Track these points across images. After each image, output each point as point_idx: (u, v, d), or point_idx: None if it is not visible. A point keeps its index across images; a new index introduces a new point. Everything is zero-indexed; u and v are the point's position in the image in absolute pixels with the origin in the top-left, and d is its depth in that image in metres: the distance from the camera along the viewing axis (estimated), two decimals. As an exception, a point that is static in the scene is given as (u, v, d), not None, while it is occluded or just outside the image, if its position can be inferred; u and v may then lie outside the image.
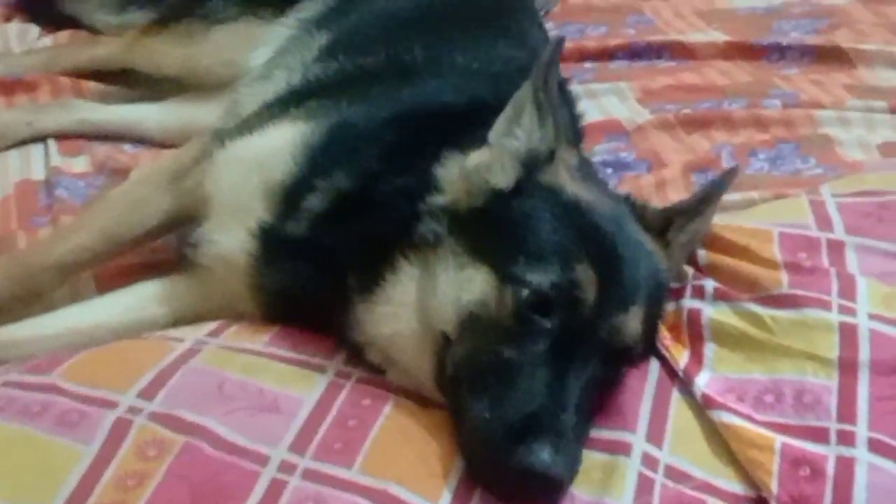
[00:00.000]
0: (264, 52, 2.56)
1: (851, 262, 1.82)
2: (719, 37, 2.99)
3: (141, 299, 2.05)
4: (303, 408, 1.66)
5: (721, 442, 1.63)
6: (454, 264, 1.67)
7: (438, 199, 1.73)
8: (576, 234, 1.65)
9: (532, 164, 1.70)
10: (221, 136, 2.11)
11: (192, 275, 2.04)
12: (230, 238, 1.95)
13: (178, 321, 2.02)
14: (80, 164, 2.57)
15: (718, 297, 1.79)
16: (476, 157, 1.75)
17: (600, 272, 1.61)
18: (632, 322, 1.63)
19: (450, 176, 1.75)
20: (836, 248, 1.84)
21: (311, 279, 1.84)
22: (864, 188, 2.04)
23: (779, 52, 2.92)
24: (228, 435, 1.59)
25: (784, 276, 1.77)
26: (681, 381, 1.71)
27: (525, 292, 1.59)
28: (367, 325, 1.74)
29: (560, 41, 1.78)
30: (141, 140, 2.69)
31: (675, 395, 1.69)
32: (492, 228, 1.67)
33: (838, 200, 1.99)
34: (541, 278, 1.59)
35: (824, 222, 1.92)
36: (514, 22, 2.44)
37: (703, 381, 1.69)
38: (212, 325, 1.89)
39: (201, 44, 2.65)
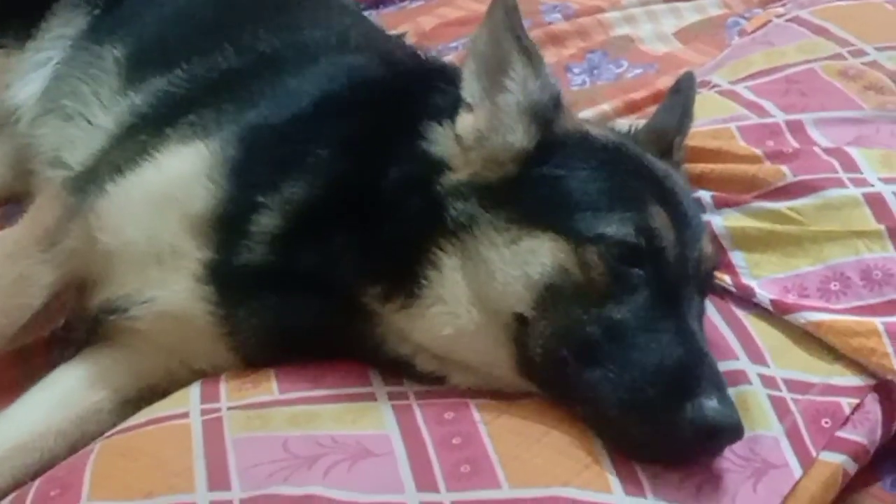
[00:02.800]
0: (29, 85, 2.21)
1: (818, 137, 1.82)
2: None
3: (69, 390, 1.71)
4: (393, 442, 1.46)
5: (815, 342, 1.58)
6: (504, 240, 1.50)
7: (453, 178, 1.55)
8: (626, 176, 1.53)
9: (543, 116, 1.56)
10: (83, 185, 1.79)
11: (121, 345, 1.74)
12: (170, 291, 1.67)
13: (124, 400, 1.71)
14: None
15: (720, 204, 1.74)
16: (467, 122, 1.57)
17: (665, 208, 1.51)
18: (707, 247, 1.55)
19: (446, 149, 1.57)
20: (797, 128, 1.83)
21: (299, 308, 1.61)
22: (752, 70, 2.05)
23: (518, -31, 2.88)
24: (344, 496, 1.38)
25: (784, 167, 1.73)
26: (733, 297, 1.65)
27: (611, 246, 1.45)
28: (414, 333, 1.54)
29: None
30: None
31: (740, 313, 1.62)
32: (535, 192, 1.52)
33: (747, 85, 1.98)
34: (621, 229, 1.46)
35: (757, 108, 1.91)
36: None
37: (763, 290, 1.63)
38: (193, 392, 1.61)
39: None
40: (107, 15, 2.20)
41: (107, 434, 1.58)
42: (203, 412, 1.55)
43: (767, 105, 1.90)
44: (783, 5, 2.56)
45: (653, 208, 1.49)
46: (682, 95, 1.79)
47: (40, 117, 2.14)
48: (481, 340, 1.51)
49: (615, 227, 1.46)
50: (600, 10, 2.63)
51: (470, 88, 1.59)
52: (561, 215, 1.49)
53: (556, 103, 1.58)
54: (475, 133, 1.56)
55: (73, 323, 1.84)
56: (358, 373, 1.59)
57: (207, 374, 1.67)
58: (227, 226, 1.66)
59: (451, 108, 1.61)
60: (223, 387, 1.61)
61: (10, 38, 2.24)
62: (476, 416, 1.49)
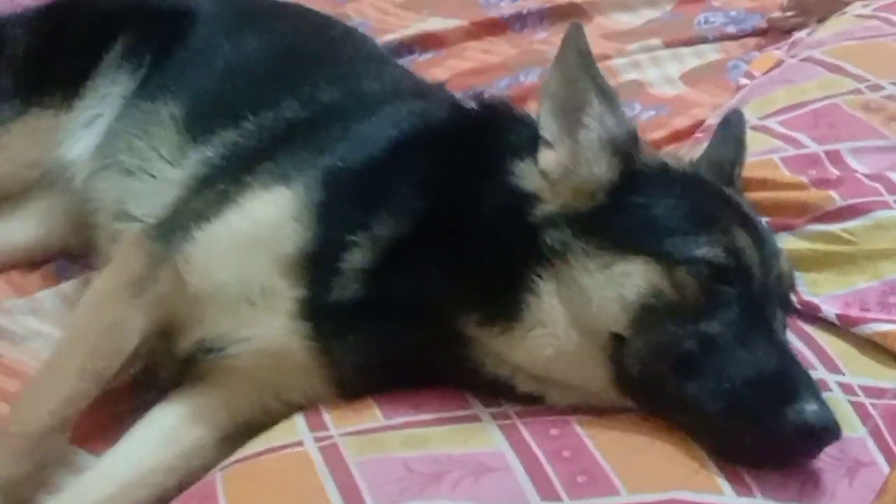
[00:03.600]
0: (81, 143, 2.28)
1: (857, 165, 1.95)
2: (453, 22, 3.02)
3: (172, 428, 1.79)
4: (508, 458, 1.54)
5: (881, 350, 1.70)
6: (597, 265, 1.60)
7: (546, 209, 1.65)
8: (708, 201, 1.65)
9: (623, 149, 1.67)
10: (166, 233, 1.87)
11: (216, 383, 1.81)
12: (267, 329, 1.75)
13: (224, 436, 1.79)
14: None
15: (775, 229, 1.84)
16: (550, 158, 1.68)
17: (746, 231, 1.63)
18: (786, 265, 1.67)
19: (534, 183, 1.68)
20: (836, 157, 1.96)
21: (396, 338, 1.69)
22: (777, 107, 2.18)
23: (520, 21, 3.01)
24: (473, 509, 1.46)
25: (832, 192, 1.86)
26: (799, 314, 1.76)
27: (703, 267, 1.57)
28: (514, 355, 1.63)
29: (579, 26, 1.75)
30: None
31: (808, 328, 1.74)
32: (624, 219, 1.62)
33: (777, 120, 2.11)
34: (710, 250, 1.57)
35: (792, 141, 2.04)
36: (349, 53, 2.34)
37: (826, 305, 1.75)
38: (299, 423, 1.69)
39: None
40: (154, 74, 2.27)
41: (222, 465, 1.65)
42: (316, 440, 1.62)
43: (801, 137, 2.03)
44: (778, 48, 2.72)
45: (736, 231, 1.61)
46: (733, 129, 1.91)
47: (97, 173, 2.21)
48: (580, 360, 1.61)
49: (705, 250, 1.57)
50: (607, 56, 2.76)
51: (548, 127, 1.70)
52: (651, 240, 1.60)
53: (633, 137, 1.70)
54: (561, 168, 1.67)
55: (153, 366, 1.92)
56: (455, 396, 1.67)
57: (301, 407, 1.75)
58: (317, 264, 1.75)
59: (526, 145, 1.72)
60: (326, 416, 1.69)
61: (57, 98, 2.30)
62: (580, 430, 1.58)
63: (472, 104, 1.93)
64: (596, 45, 2.77)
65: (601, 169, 1.66)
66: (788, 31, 2.76)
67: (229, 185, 1.88)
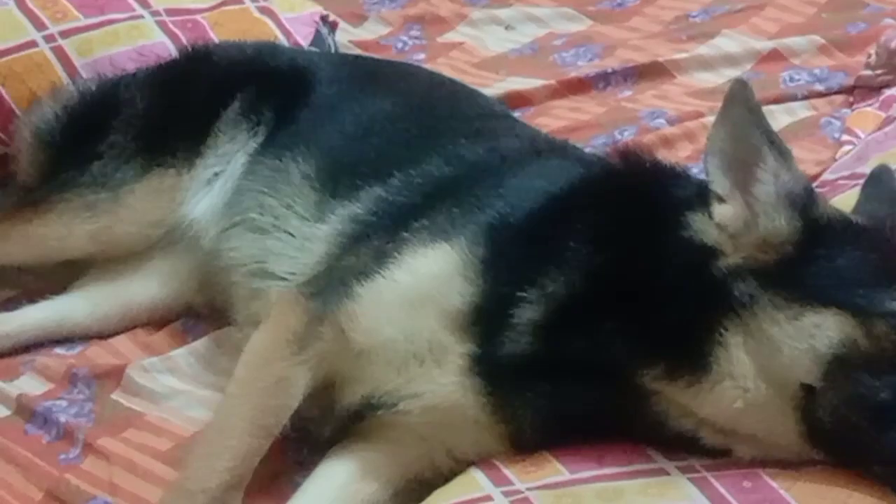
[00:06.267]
0: (203, 202, 2.29)
1: None
2: (536, 81, 3.05)
3: (343, 484, 1.79)
4: (708, 511, 1.56)
5: None
6: (786, 317, 1.62)
7: (729, 261, 1.67)
8: (891, 255, 1.68)
9: (801, 203, 1.70)
10: (321, 290, 1.88)
11: (384, 438, 1.82)
12: (438, 385, 1.77)
13: (394, 492, 1.81)
14: (35, 386, 2.17)
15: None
16: (726, 212, 1.70)
17: None
18: None
19: (713, 237, 1.70)
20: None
21: (573, 393, 1.71)
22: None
23: (604, 80, 3.04)
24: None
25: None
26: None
27: None
28: (701, 408, 1.65)
29: (744, 82, 1.78)
30: (70, 337, 2.31)
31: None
32: (811, 271, 1.64)
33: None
34: None
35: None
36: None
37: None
38: (480, 477, 1.69)
39: (112, 212, 2.31)
40: (277, 133, 2.29)
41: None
42: (505, 494, 1.63)
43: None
44: (869, 105, 2.77)
45: None
46: (884, 184, 1.94)
47: (227, 231, 2.22)
48: (769, 412, 1.62)
49: None
50: (700, 114, 2.79)
51: (719, 182, 1.72)
52: (841, 292, 1.62)
53: (809, 191, 1.72)
54: (740, 221, 1.69)
55: (304, 422, 1.91)
56: (637, 450, 1.68)
57: (469, 462, 1.76)
58: (486, 320, 1.76)
59: (693, 199, 1.74)
60: (506, 471, 1.69)
61: (178, 158, 2.32)
62: (773, 483, 1.59)
63: (616, 155, 1.94)
64: (686, 104, 2.87)
65: (782, 222, 1.68)
66: (878, 89, 2.80)
67: (386, 241, 1.90)
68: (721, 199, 1.71)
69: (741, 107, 1.73)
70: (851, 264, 1.65)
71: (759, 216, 1.69)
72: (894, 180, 1.95)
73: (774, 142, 1.72)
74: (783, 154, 1.72)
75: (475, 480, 1.69)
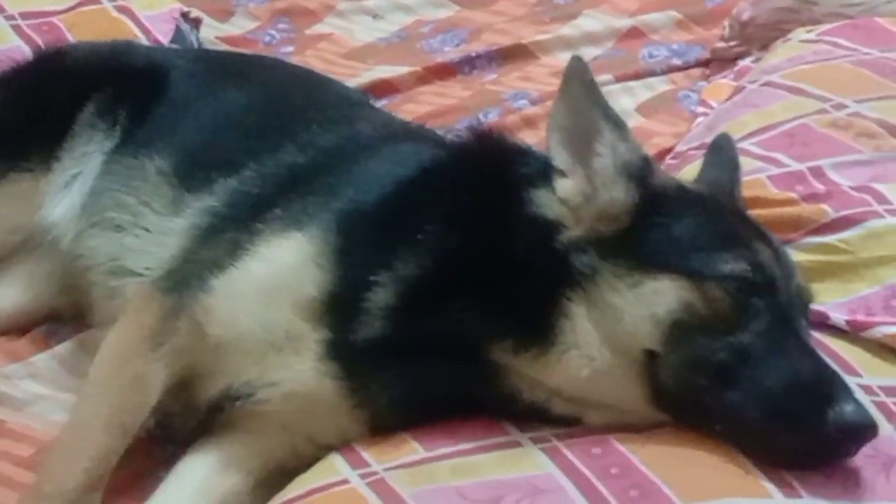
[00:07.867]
0: (62, 204, 2.27)
1: (840, 179, 2.04)
2: (402, 69, 3.07)
3: (205, 477, 1.79)
4: (560, 479, 1.58)
5: (890, 352, 1.78)
6: (626, 285, 1.65)
7: (571, 234, 1.70)
8: (728, 219, 1.72)
9: (638, 173, 1.73)
10: (176, 285, 1.88)
11: (245, 429, 1.82)
12: (295, 372, 1.77)
13: (256, 482, 1.80)
14: None
15: (774, 243, 1.92)
16: (567, 187, 1.73)
17: (765, 246, 1.70)
18: (802, 279, 1.74)
19: (556, 211, 1.73)
20: (819, 173, 2.05)
21: (428, 373, 1.72)
22: (749, 130, 2.26)
23: (469, 64, 3.07)
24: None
25: (824, 206, 1.94)
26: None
27: (732, 281, 1.63)
28: (550, 379, 1.67)
29: (580, 59, 1.81)
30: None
31: (818, 336, 1.81)
32: (648, 239, 1.68)
33: (751, 142, 2.20)
34: (738, 265, 1.63)
35: (772, 161, 2.12)
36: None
37: (833, 313, 1.82)
38: (338, 462, 1.71)
39: None
40: (133, 131, 2.27)
41: (269, 509, 1.67)
42: (361, 476, 1.64)
43: (780, 157, 2.12)
44: (724, 76, 2.83)
45: (758, 246, 1.68)
46: (725, 152, 1.99)
47: (85, 231, 2.19)
48: (615, 378, 1.66)
49: (732, 265, 1.64)
50: (562, 94, 2.82)
51: (560, 157, 1.75)
52: (678, 258, 1.66)
53: (646, 161, 1.76)
54: (580, 194, 1.72)
55: (167, 418, 1.91)
56: (491, 424, 1.70)
57: (334, 448, 1.77)
58: (340, 306, 1.77)
59: (537, 175, 1.77)
60: (364, 454, 1.71)
61: (34, 161, 2.29)
62: (622, 447, 1.63)
63: (467, 138, 1.96)
64: (549, 84, 2.90)
65: (620, 193, 1.71)
66: (732, 60, 2.86)
67: (240, 232, 1.90)
68: (563, 174, 1.75)
69: (578, 83, 1.77)
70: (687, 231, 1.69)
71: (598, 189, 1.72)
72: (734, 148, 2.00)
73: (610, 115, 1.75)
74: (619, 126, 1.76)
75: (333, 465, 1.70)
